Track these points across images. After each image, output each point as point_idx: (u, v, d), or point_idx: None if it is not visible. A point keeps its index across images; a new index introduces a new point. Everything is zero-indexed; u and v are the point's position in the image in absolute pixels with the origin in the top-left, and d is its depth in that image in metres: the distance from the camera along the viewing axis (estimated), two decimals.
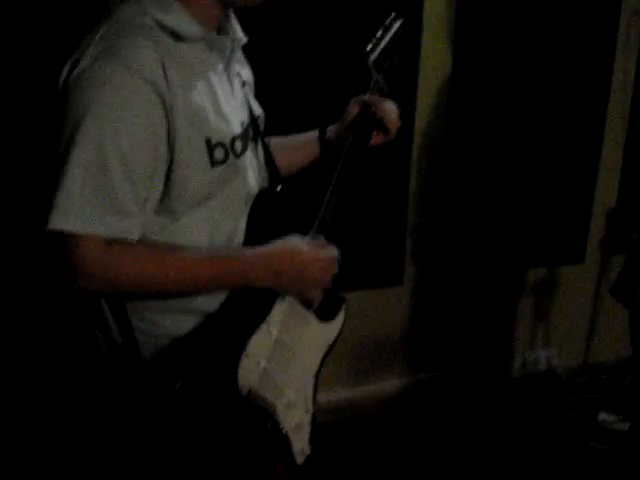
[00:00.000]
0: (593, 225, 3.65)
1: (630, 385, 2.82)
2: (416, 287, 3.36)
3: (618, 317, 3.58)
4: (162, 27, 1.34)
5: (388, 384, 3.41)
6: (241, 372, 1.43)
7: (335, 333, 1.65)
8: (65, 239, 1.28)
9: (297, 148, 1.83)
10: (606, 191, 3.63)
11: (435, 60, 3.08)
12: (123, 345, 1.46)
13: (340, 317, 1.67)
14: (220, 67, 1.47)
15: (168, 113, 1.31)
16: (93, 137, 1.26)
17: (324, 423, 2.78)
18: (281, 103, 2.56)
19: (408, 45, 1.81)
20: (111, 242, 1.30)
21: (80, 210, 1.27)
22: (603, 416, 3.25)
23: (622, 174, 3.63)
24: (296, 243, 1.46)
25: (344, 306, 1.68)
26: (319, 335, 1.62)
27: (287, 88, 2.76)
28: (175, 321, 1.45)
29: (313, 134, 1.83)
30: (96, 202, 1.28)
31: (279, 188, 1.58)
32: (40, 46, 2.28)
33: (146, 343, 1.45)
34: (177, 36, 1.35)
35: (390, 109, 1.71)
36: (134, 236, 1.34)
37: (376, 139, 1.75)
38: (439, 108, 3.16)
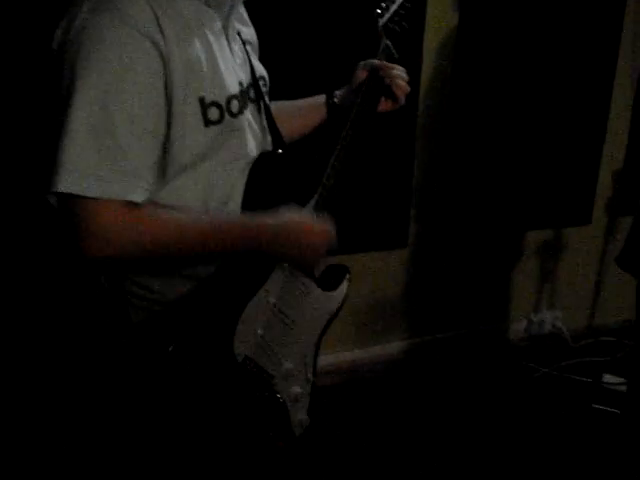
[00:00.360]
0: (600, 187, 3.62)
1: (633, 350, 2.81)
2: (420, 249, 3.34)
3: (624, 280, 3.56)
4: None
5: (392, 346, 3.42)
6: (237, 339, 1.41)
7: (337, 303, 1.63)
8: (81, 204, 1.23)
9: (304, 112, 1.78)
10: (613, 152, 3.60)
11: (441, 20, 3.03)
12: (113, 308, 1.43)
13: (343, 287, 1.64)
14: (218, 24, 1.42)
15: (166, 67, 1.28)
16: (96, 95, 1.22)
17: (328, 385, 2.80)
18: (287, 66, 2.53)
19: (418, 10, 1.75)
20: (129, 205, 1.26)
21: (95, 172, 1.22)
22: (607, 378, 3.27)
23: (630, 135, 3.59)
24: (305, 216, 1.48)
25: (347, 276, 1.66)
26: (320, 304, 1.60)
27: (294, 51, 2.71)
28: (169, 285, 1.42)
29: (320, 99, 1.77)
30: (109, 163, 1.24)
31: (280, 151, 1.54)
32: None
33: (138, 307, 1.43)
34: None
35: (399, 75, 1.65)
36: (146, 200, 1.30)
37: (384, 106, 1.69)
38: (445, 69, 3.11)
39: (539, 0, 3.13)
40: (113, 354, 1.48)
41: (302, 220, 1.46)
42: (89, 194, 1.22)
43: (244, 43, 1.54)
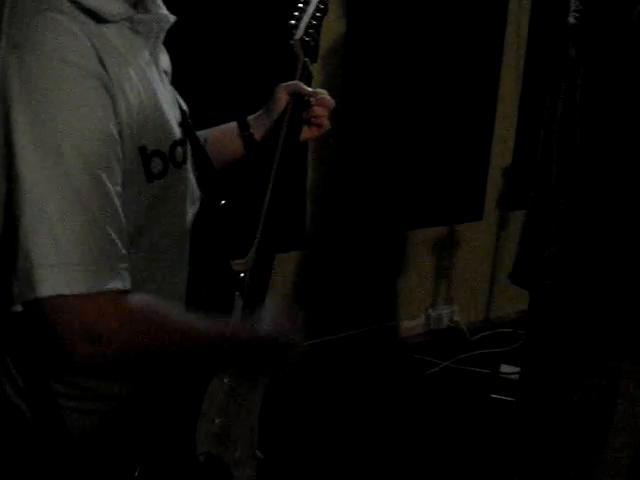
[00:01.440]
0: (490, 183, 3.71)
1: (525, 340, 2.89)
2: (317, 251, 3.35)
3: None
4: (76, 4, 1.01)
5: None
6: (198, 436, 1.20)
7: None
8: (64, 303, 0.96)
9: (214, 145, 1.44)
10: (502, 149, 3.69)
11: (328, 28, 3.01)
12: (42, 417, 1.13)
13: None
14: (146, 54, 1.15)
15: (117, 113, 1.02)
16: (54, 160, 0.94)
17: None
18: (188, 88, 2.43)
19: (324, 20, 1.55)
20: (119, 294, 1.01)
21: (81, 263, 0.96)
22: (504, 368, 3.35)
23: (517, 131, 3.69)
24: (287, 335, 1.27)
25: None
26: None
27: (198, 71, 2.51)
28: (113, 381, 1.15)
29: (232, 129, 1.49)
30: (94, 248, 0.98)
31: (224, 202, 1.29)
32: None
33: (73, 412, 1.13)
34: (97, 17, 1.03)
35: (327, 104, 1.50)
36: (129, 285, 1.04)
37: (307, 134, 1.52)
38: (334, 73, 3.12)
39: (425, 5, 3.19)
40: None
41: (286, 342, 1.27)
42: (79, 291, 0.96)
43: (165, 74, 1.28)
